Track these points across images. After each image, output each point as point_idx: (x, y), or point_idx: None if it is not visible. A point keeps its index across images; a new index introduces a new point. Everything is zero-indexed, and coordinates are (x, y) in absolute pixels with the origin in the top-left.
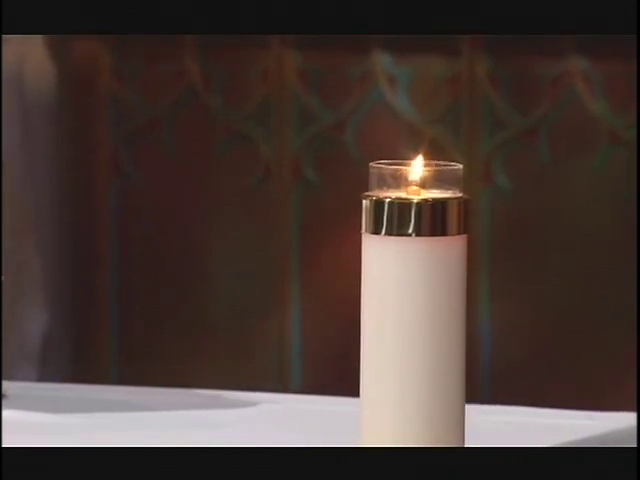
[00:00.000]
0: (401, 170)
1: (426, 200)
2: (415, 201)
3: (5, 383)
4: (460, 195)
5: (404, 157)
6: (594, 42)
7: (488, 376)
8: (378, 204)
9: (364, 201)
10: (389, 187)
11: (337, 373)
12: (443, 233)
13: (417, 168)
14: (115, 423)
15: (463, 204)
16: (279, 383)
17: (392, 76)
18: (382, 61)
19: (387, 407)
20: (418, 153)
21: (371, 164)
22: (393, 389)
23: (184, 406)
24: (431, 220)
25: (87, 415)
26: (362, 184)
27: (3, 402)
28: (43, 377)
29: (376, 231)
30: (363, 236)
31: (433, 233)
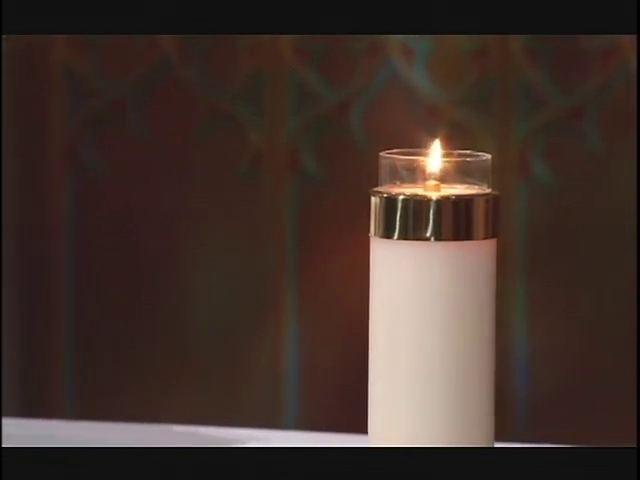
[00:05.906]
0: (417, 161)
1: (447, 197)
2: (434, 198)
3: None
4: (489, 191)
5: (421, 145)
6: None
7: (523, 409)
8: (390, 202)
9: (373, 198)
10: (403, 181)
11: (340, 405)
12: (468, 237)
13: (437, 158)
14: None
15: (492, 202)
16: (270, 417)
17: (407, 48)
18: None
19: (400, 441)
20: (438, 140)
21: (381, 154)
22: (407, 421)
23: (154, 444)
24: (454, 221)
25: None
26: (371, 177)
27: None
28: None
29: (387, 234)
30: (372, 240)
31: (456, 237)
